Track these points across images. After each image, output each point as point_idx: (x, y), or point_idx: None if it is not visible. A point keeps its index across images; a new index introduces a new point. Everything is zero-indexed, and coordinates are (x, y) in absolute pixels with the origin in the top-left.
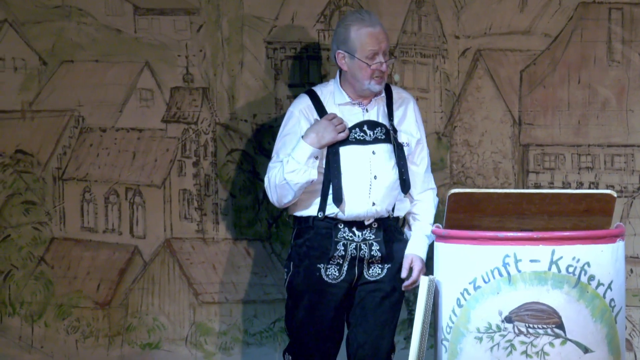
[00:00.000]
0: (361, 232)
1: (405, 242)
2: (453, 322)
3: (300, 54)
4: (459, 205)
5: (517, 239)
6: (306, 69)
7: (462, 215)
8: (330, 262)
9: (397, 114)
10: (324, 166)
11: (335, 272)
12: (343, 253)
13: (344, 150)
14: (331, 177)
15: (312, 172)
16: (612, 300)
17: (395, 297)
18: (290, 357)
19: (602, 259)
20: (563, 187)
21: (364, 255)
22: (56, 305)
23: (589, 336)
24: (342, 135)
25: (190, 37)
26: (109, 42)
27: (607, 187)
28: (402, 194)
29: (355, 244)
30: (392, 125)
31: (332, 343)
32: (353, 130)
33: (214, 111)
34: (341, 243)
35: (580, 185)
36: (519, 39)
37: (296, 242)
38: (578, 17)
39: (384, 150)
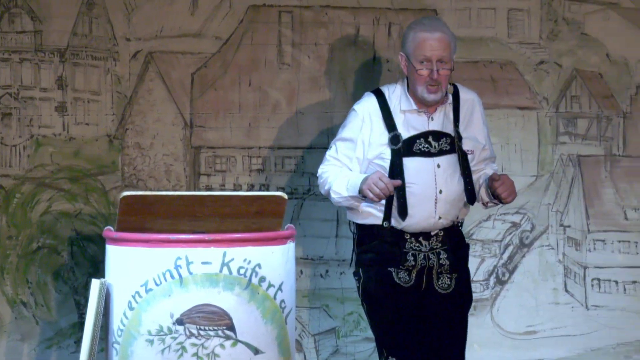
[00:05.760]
0: (428, 241)
1: (467, 247)
2: (124, 325)
3: None
4: (131, 207)
5: (189, 242)
6: None
7: (134, 218)
8: (400, 267)
9: (464, 119)
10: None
11: (405, 276)
12: (413, 263)
13: (408, 162)
14: (396, 190)
15: (354, 203)
16: (282, 301)
17: (465, 308)
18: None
19: (273, 260)
20: (234, 189)
21: (433, 264)
22: None
23: (260, 337)
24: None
25: None
26: None
27: (278, 189)
28: (469, 204)
29: (423, 253)
30: (457, 132)
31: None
32: (418, 141)
33: None
34: (410, 253)
35: (251, 187)
36: (190, 41)
37: (361, 249)
38: (249, 20)
39: (449, 162)
